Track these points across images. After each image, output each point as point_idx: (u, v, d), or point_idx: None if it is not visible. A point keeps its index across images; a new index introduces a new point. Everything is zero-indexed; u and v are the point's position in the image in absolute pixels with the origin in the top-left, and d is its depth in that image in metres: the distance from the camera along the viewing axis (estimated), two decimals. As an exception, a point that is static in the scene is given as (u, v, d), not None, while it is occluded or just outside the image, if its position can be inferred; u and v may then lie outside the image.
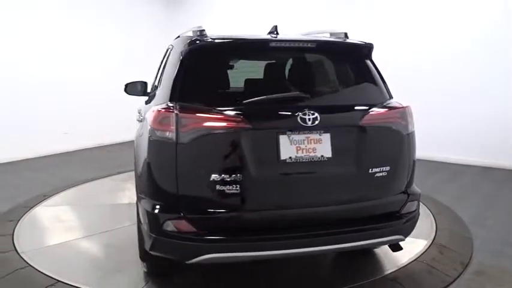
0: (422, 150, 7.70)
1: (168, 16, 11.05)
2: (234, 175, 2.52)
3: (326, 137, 2.67)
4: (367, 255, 3.64)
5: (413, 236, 4.06)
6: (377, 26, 8.16)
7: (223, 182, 2.52)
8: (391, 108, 2.94)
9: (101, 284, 3.23)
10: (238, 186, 2.53)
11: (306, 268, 3.48)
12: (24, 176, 6.87)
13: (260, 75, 3.47)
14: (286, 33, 3.23)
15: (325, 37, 3.32)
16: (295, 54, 3.40)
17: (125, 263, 3.51)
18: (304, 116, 2.61)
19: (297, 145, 2.62)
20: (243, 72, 3.84)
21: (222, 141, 2.58)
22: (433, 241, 3.93)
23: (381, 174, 2.78)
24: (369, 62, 3.13)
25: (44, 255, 3.66)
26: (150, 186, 2.70)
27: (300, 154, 2.62)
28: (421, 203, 4.99)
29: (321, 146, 2.66)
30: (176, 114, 2.55)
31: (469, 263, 3.50)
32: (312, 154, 2.64)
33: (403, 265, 3.43)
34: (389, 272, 3.32)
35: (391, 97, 3.09)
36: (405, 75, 7.97)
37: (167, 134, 2.54)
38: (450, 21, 7.55)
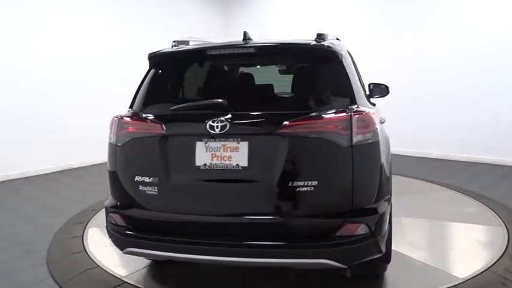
0: (493, 154, 7.43)
1: (224, 19, 11.36)
2: (152, 178, 2.73)
3: (243, 146, 2.58)
4: (437, 262, 3.52)
5: (484, 245, 3.92)
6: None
7: (143, 184, 2.75)
8: (324, 116, 2.58)
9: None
10: (156, 188, 2.72)
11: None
12: (93, 180, 7.26)
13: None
14: (258, 39, 3.07)
15: (275, 40, 3.11)
16: (240, 61, 3.43)
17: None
18: (212, 124, 2.57)
19: (213, 152, 2.62)
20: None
21: (143, 145, 2.82)
22: (505, 251, 3.70)
23: (304, 189, 2.50)
24: (321, 65, 2.86)
25: (111, 256, 3.82)
26: (109, 183, 3.05)
27: (214, 161, 2.61)
28: (491, 211, 4.81)
29: (237, 155, 2.58)
30: (117, 119, 2.91)
31: (546, 275, 3.25)
32: (227, 162, 2.59)
33: (475, 274, 3.26)
34: (460, 282, 3.15)
35: (352, 103, 2.69)
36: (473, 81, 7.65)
37: (111, 136, 2.93)
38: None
